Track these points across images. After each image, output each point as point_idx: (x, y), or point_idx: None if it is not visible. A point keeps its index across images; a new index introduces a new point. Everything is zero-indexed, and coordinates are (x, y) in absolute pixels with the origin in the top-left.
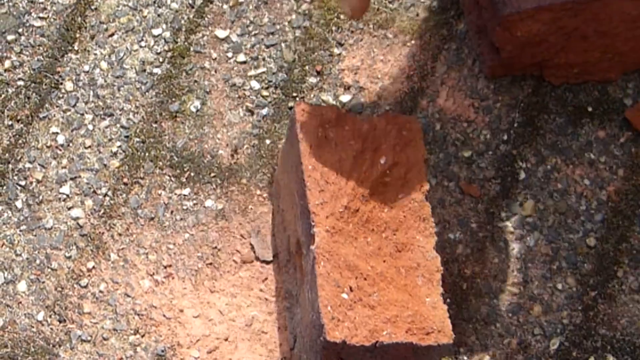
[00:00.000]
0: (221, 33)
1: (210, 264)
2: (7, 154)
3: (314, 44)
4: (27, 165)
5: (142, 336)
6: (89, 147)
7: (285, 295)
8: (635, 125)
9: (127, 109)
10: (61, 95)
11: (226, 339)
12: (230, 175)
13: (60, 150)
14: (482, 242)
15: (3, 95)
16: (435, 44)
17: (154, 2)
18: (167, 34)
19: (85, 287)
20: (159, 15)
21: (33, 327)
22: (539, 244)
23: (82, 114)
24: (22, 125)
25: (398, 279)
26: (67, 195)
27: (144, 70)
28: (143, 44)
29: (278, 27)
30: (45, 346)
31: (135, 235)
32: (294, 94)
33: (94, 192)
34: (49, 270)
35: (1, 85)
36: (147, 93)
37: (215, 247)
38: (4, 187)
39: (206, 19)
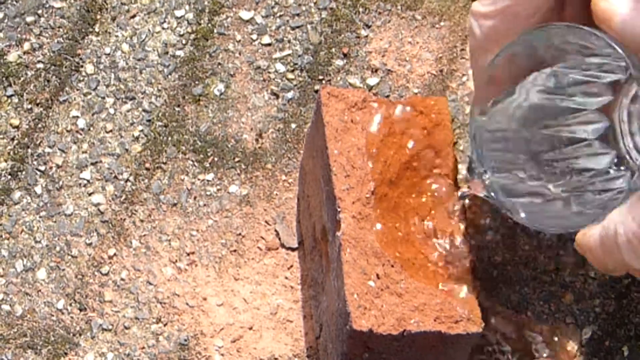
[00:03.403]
0: (245, 14)
1: (235, 251)
2: (26, 139)
3: (341, 25)
4: (47, 150)
5: (165, 325)
6: (110, 131)
7: (311, 283)
8: None
9: (149, 92)
10: (82, 78)
11: (250, 328)
12: (254, 160)
13: (80, 134)
14: (512, 228)
15: (22, 78)
16: (465, 25)
17: None
18: (190, 16)
19: (106, 274)
20: None
21: (53, 315)
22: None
23: (103, 98)
24: (41, 109)
25: (426, 266)
26: (88, 181)
27: (167, 53)
28: (165, 25)
29: (304, 8)
30: (65, 335)
31: (157, 221)
32: (320, 77)
33: (115, 177)
34: (69, 257)
35: (20, 68)
36: (169, 76)
37: (240, 234)
38: (23, 173)
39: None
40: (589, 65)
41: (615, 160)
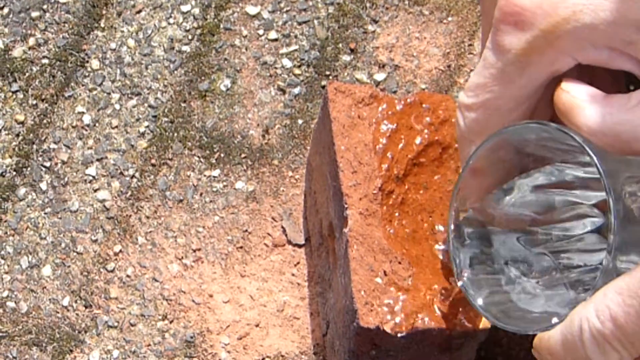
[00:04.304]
0: (252, 10)
1: (241, 247)
2: (31, 134)
3: (348, 20)
4: (52, 145)
5: (171, 322)
6: (116, 127)
7: (318, 280)
8: None
9: (155, 88)
10: (87, 74)
11: (257, 325)
12: (261, 156)
13: (86, 130)
14: None
15: (27, 74)
16: (473, 20)
17: None
18: (196, 11)
19: (112, 271)
20: None
21: (58, 312)
22: None
23: (109, 93)
24: (46, 105)
25: (434, 263)
26: (93, 177)
27: (173, 48)
28: (171, 20)
29: (310, 3)
30: (70, 332)
31: (163, 218)
32: (327, 73)
33: (121, 173)
34: (75, 254)
35: (25, 64)
36: (175, 71)
37: (246, 230)
38: (28, 169)
39: None
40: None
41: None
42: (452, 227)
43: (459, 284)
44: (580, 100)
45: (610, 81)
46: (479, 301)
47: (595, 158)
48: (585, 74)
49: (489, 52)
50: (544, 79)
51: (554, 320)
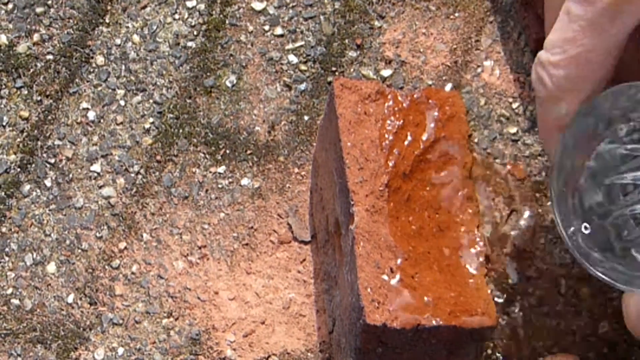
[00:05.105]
0: (258, 5)
1: (247, 244)
2: (35, 131)
3: (354, 16)
4: (57, 142)
5: (176, 319)
6: (121, 123)
7: (324, 277)
8: None
9: (160, 84)
10: (92, 70)
11: (263, 322)
12: (267, 153)
13: (90, 126)
14: (528, 221)
15: (32, 70)
16: (480, 16)
17: None
18: (202, 6)
19: (117, 268)
20: None
21: (63, 310)
22: None
23: (114, 89)
24: (51, 101)
25: (441, 260)
26: (98, 174)
27: (178, 44)
28: (177, 16)
29: None
30: (75, 329)
31: (168, 214)
32: (333, 69)
33: (126, 170)
34: (79, 251)
35: (30, 60)
36: (181, 67)
37: (252, 227)
38: (33, 165)
39: None
40: None
41: None
42: (559, 183)
43: (572, 242)
44: None
45: None
46: (594, 262)
47: None
48: None
49: (575, 5)
50: (634, 24)
51: (634, 288)
